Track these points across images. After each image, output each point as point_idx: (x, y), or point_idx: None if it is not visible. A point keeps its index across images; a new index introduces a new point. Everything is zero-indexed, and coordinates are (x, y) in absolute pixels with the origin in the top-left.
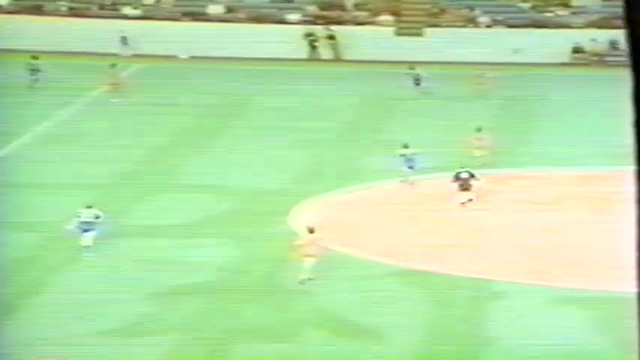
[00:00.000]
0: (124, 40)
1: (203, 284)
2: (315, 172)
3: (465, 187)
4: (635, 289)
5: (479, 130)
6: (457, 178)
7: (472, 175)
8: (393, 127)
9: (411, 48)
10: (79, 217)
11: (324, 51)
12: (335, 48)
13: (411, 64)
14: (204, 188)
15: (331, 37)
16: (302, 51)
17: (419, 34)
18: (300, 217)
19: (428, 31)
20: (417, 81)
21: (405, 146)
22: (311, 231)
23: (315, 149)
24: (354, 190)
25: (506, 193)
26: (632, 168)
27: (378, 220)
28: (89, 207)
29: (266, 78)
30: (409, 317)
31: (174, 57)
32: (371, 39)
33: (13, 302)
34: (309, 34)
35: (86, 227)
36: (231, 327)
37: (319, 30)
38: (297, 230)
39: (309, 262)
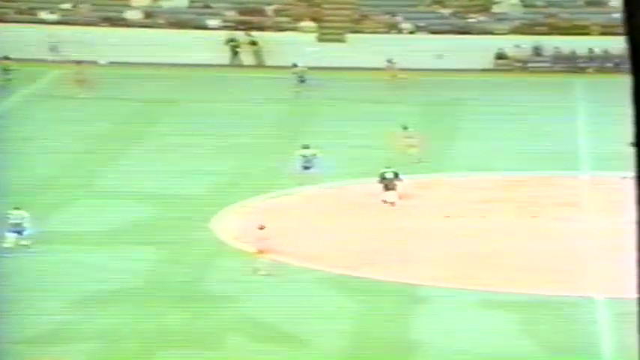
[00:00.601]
0: (53, 47)
1: (125, 291)
2: (239, 177)
3: (389, 187)
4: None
5: (405, 128)
6: (382, 178)
7: (396, 175)
8: (315, 131)
9: (333, 54)
10: (8, 218)
11: (246, 57)
12: (257, 54)
13: (294, 64)
14: (125, 194)
15: (253, 43)
16: (223, 57)
17: (341, 40)
18: (223, 223)
19: (350, 37)
20: (302, 79)
21: (305, 147)
22: (261, 228)
23: (238, 155)
24: (278, 196)
25: (431, 198)
26: (555, 172)
27: (303, 225)
28: (17, 208)
29: (187, 84)
30: (335, 323)
31: (94, 62)
32: (293, 45)
33: None
34: (230, 40)
35: (14, 229)
36: (153, 334)
37: (241, 36)
38: (220, 236)
39: (262, 257)
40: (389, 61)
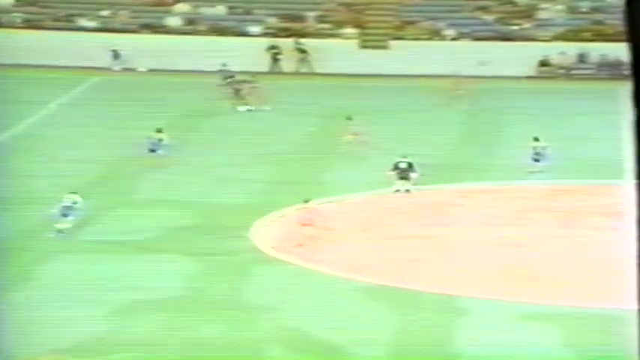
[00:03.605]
0: (115, 54)
1: (162, 301)
2: (278, 185)
3: (402, 176)
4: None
5: (349, 118)
6: (396, 167)
7: (410, 166)
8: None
9: (375, 61)
10: (62, 201)
11: (288, 64)
12: (304, 61)
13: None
14: (163, 203)
15: (301, 51)
16: (263, 64)
17: (384, 47)
18: (262, 231)
19: (393, 44)
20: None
21: (159, 130)
22: (306, 201)
23: (278, 162)
24: (318, 204)
25: (471, 207)
26: (601, 182)
27: (342, 234)
28: (73, 193)
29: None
30: (373, 334)
31: (133, 70)
32: (335, 52)
33: None
34: (272, 47)
35: (65, 212)
36: (190, 345)
37: (283, 43)
38: (259, 245)
39: (308, 230)
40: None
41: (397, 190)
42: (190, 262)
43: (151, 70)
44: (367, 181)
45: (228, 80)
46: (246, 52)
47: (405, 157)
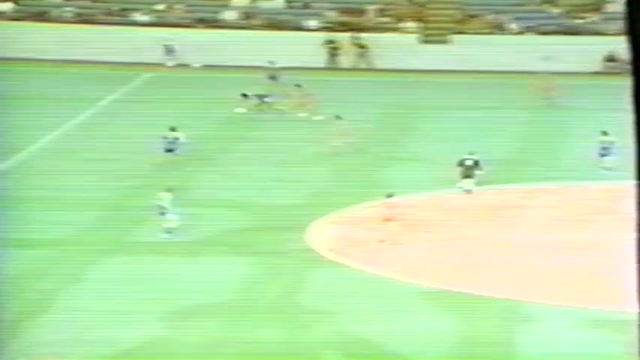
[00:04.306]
0: (169, 49)
1: (217, 304)
2: (335, 185)
3: (467, 174)
4: None
5: (338, 117)
6: (461, 164)
7: (477, 163)
8: (415, 138)
9: (435, 56)
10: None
11: (346, 59)
12: (363, 56)
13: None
14: (218, 203)
15: (360, 46)
16: (320, 59)
17: (444, 42)
18: (318, 233)
19: (453, 38)
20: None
21: (172, 129)
22: (389, 195)
23: (335, 161)
24: (375, 206)
25: (536, 208)
26: None
27: (400, 236)
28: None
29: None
30: (434, 339)
31: (187, 66)
32: (394, 46)
33: (15, 322)
34: (329, 42)
35: (163, 211)
36: (247, 350)
37: (341, 37)
38: (316, 247)
39: (392, 225)
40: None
41: (462, 189)
42: (246, 265)
43: (206, 66)
44: (429, 181)
45: (264, 100)
46: (303, 48)
47: (471, 153)
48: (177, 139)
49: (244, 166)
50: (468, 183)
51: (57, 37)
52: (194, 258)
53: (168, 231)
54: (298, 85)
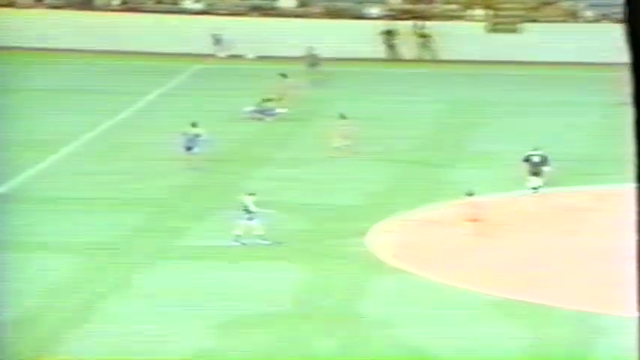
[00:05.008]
0: (217, 39)
1: (271, 314)
2: (397, 186)
3: (534, 171)
4: None
5: (342, 117)
6: (527, 160)
7: (544, 160)
8: (481, 136)
9: (504, 46)
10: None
11: (408, 50)
12: (426, 47)
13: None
14: (270, 204)
15: (423, 35)
16: (382, 50)
17: (513, 31)
18: (378, 237)
19: (524, 27)
20: None
21: (193, 125)
22: (470, 194)
23: (396, 161)
24: (439, 208)
25: (607, 211)
26: None
27: (466, 241)
28: (251, 194)
29: (341, 80)
30: (502, 353)
31: (239, 57)
32: (459, 36)
33: (56, 331)
34: (387, 32)
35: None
36: None
37: (403, 26)
38: (376, 253)
39: (472, 225)
40: None
41: (530, 188)
42: (302, 271)
43: (260, 57)
44: (495, 181)
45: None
46: (363, 37)
47: (537, 149)
48: (198, 135)
49: (292, 165)
50: (535, 181)
51: (102, 26)
52: (247, 263)
53: (261, 237)
54: (283, 75)
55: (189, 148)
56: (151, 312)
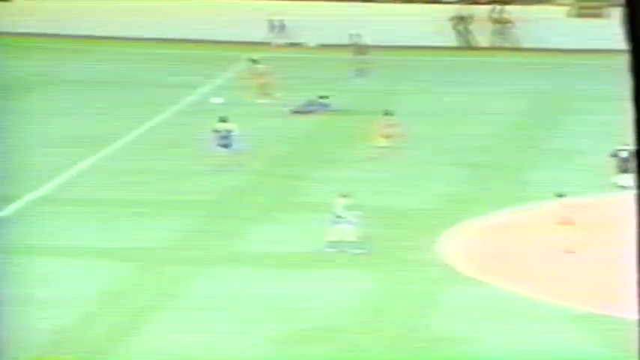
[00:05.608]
0: (274, 25)
1: (332, 327)
2: (472, 187)
3: (623, 168)
4: None
5: (387, 114)
6: (615, 155)
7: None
8: (563, 132)
9: (587, 32)
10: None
11: (483, 37)
12: (503, 34)
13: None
14: (329, 207)
15: (499, 21)
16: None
17: (599, 15)
18: (451, 243)
19: (611, 11)
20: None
21: (223, 120)
22: (561, 195)
23: (471, 160)
24: (520, 211)
25: None
26: None
27: (554, 247)
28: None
29: (411, 70)
30: None
31: (299, 45)
32: (539, 21)
33: (101, 345)
34: (459, 17)
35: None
36: None
37: (477, 11)
38: (448, 260)
39: (570, 229)
40: None
41: (618, 186)
42: (365, 280)
43: (322, 45)
44: (579, 180)
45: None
46: (434, 23)
47: (627, 144)
48: (230, 131)
49: (360, 165)
50: (624, 178)
51: (148, 12)
52: (309, 271)
53: (356, 246)
54: (253, 61)
55: (225, 146)
56: (204, 322)
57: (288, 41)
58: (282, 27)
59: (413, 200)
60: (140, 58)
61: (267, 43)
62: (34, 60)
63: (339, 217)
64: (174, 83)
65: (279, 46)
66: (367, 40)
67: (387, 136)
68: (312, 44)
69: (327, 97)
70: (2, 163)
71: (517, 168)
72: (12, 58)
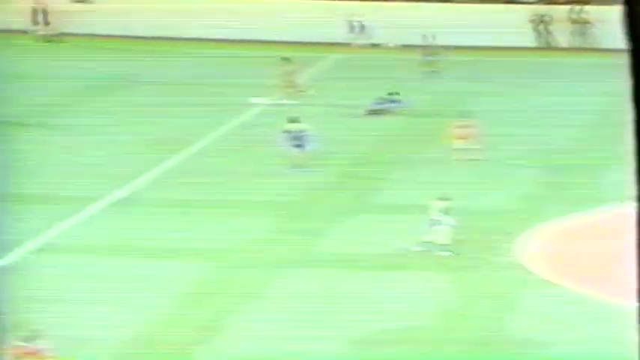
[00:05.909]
0: (354, 26)
1: (410, 330)
2: (551, 189)
3: None
4: None
5: (463, 115)
6: None
7: None
8: None
9: None
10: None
11: (563, 37)
12: (584, 34)
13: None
14: (411, 208)
15: (578, 21)
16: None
17: None
18: (530, 246)
19: None
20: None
21: (293, 120)
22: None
23: (550, 162)
24: (599, 213)
25: None
26: None
27: (628, 252)
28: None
29: (488, 71)
30: None
31: (379, 45)
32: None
33: (186, 346)
34: (539, 17)
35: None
36: None
37: (557, 11)
38: (526, 264)
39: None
40: None
41: None
42: (443, 282)
43: (403, 46)
44: None
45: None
46: (513, 23)
47: None
48: (302, 131)
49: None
50: None
51: (220, 11)
52: (388, 273)
53: (445, 248)
54: (286, 59)
55: (298, 146)
56: (287, 323)
57: (369, 42)
58: (362, 27)
59: (492, 202)
60: (222, 60)
61: (348, 44)
62: (113, 60)
63: (435, 219)
64: (251, 84)
65: (359, 46)
66: (442, 41)
67: (464, 138)
68: (391, 45)
69: (397, 94)
70: (83, 164)
71: (597, 169)
72: (91, 59)
